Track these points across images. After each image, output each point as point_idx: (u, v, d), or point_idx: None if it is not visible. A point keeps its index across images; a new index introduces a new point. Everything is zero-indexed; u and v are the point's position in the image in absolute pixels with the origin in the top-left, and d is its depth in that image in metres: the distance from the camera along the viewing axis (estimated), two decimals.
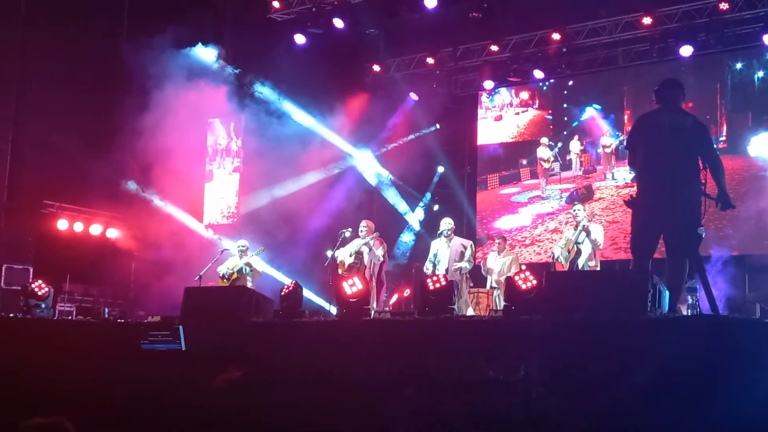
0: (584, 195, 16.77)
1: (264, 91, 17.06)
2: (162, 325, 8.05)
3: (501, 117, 18.81)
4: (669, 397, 6.11)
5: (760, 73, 15.56)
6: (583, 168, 17.49)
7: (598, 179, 17.22)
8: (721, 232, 14.64)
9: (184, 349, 7.61)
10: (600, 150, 17.37)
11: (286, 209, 16.32)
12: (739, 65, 15.73)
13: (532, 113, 18.48)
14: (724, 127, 15.71)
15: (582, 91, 17.71)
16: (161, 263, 14.80)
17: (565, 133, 17.76)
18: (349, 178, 18.15)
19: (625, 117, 17.00)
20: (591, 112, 17.50)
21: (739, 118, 15.63)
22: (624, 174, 16.71)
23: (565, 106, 17.95)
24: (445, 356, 6.96)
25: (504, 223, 17.79)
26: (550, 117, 18.16)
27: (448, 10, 15.91)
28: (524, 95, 18.58)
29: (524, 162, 18.23)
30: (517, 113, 18.63)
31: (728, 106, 15.73)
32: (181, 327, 7.76)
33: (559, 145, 17.69)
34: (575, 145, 17.59)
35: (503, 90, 18.70)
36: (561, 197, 17.49)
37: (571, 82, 17.82)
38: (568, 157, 17.65)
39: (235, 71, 16.62)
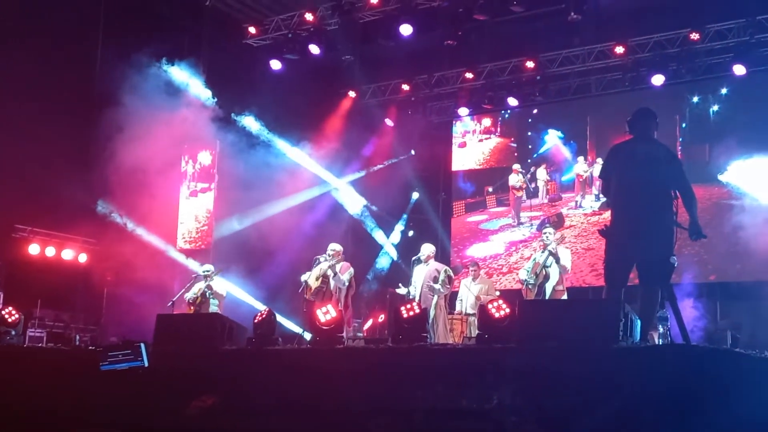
0: (555, 222, 16.94)
1: (239, 115, 17.04)
2: (122, 346, 7.97)
3: (465, 144, 19.01)
4: (641, 426, 6.13)
5: (716, 107, 16.04)
6: (549, 196, 17.69)
7: (568, 207, 17.41)
8: (694, 259, 14.82)
9: (147, 365, 7.54)
10: (564, 178, 17.60)
11: (261, 234, 16.24)
12: (695, 99, 16.15)
13: (495, 140, 18.73)
14: (683, 158, 15.98)
15: (546, 120, 17.99)
16: (134, 289, 14.65)
17: (529, 160, 18.04)
18: (324, 203, 18.15)
19: (588, 145, 17.26)
20: (554, 140, 17.77)
21: (697, 149, 15.89)
22: (590, 202, 16.93)
23: (529, 134, 18.19)
24: (419, 384, 6.94)
25: (476, 251, 17.88)
26: (514, 145, 18.38)
27: (423, 37, 16.02)
28: (486, 122, 18.85)
29: (490, 189, 18.40)
30: (481, 140, 18.89)
31: (687, 138, 16.00)
32: (142, 344, 7.70)
33: (531, 171, 17.89)
34: (542, 173, 17.83)
35: (466, 118, 18.89)
36: (531, 225, 17.64)
37: (535, 110, 18.07)
38: (533, 185, 17.87)
39: (211, 95, 16.58)
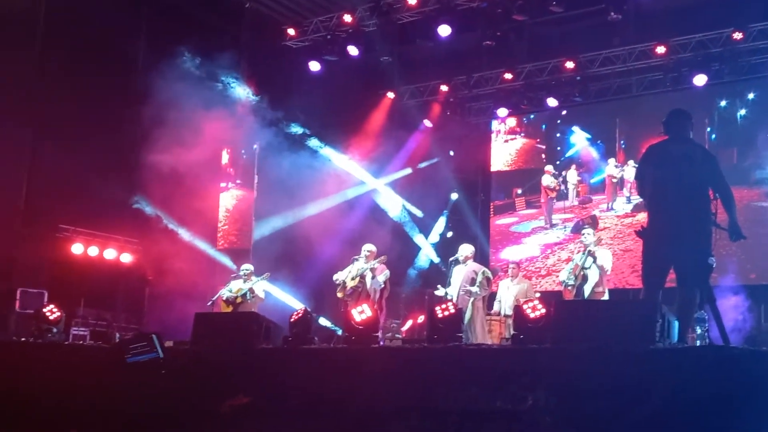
0: (590, 224, 16.83)
1: (279, 116, 17.16)
2: (137, 338, 8.10)
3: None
4: (677, 429, 6.05)
5: (743, 111, 15.91)
6: (579, 198, 17.59)
7: (599, 209, 17.32)
8: (734, 259, 14.67)
9: (162, 356, 7.65)
10: (593, 180, 17.50)
11: (299, 235, 16.35)
12: (723, 103, 16.05)
13: (520, 141, 18.68)
14: None
15: (573, 121, 17.88)
16: (175, 288, 14.81)
17: (557, 162, 17.92)
18: (362, 204, 18.21)
19: (617, 147, 17.16)
20: (582, 142, 17.67)
21: (725, 153, 15.75)
22: (622, 204, 16.83)
23: (558, 135, 18.09)
24: (453, 385, 6.92)
25: (510, 254, 17.79)
26: (542, 146, 18.31)
27: (462, 38, 16.02)
28: (511, 122, 18.76)
29: (519, 191, 18.33)
30: (506, 140, 18.80)
31: (715, 141, 15.85)
32: (154, 335, 7.83)
33: (564, 174, 17.82)
34: (572, 175, 17.72)
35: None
36: (565, 227, 17.55)
37: (564, 111, 17.94)
38: (562, 188, 17.80)
39: (251, 96, 16.72)
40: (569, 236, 17.31)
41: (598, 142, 17.61)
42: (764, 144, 15.55)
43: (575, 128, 17.88)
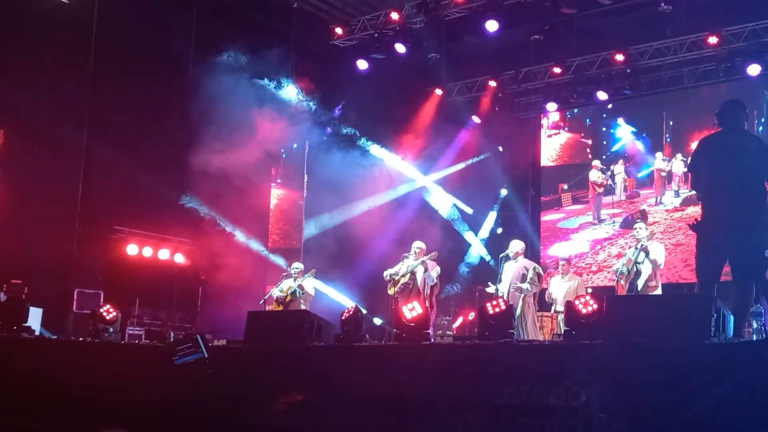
0: (640, 219, 16.62)
1: (328, 115, 17.26)
2: (183, 340, 8.21)
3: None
4: (733, 425, 5.96)
5: None
6: (627, 193, 17.39)
7: (647, 203, 17.11)
8: None
9: (207, 356, 7.76)
10: (640, 174, 17.30)
11: (349, 233, 16.44)
12: None
13: (564, 136, 18.53)
14: None
15: (619, 114, 17.68)
16: (228, 287, 15.00)
17: (604, 156, 17.76)
18: (412, 201, 18.22)
19: (664, 140, 16.92)
20: (628, 135, 17.48)
21: None
22: (671, 198, 16.61)
23: (603, 129, 17.90)
24: (505, 381, 6.89)
25: (559, 250, 17.63)
26: (587, 140, 18.13)
27: (509, 33, 15.94)
28: (555, 117, 18.59)
29: (565, 187, 18.18)
30: (549, 135, 18.64)
31: (763, 132, 15.57)
32: (199, 336, 7.94)
33: (612, 168, 17.65)
34: (619, 169, 17.55)
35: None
36: (614, 222, 17.37)
37: (610, 105, 17.76)
38: (610, 182, 17.63)
39: (300, 95, 16.84)
40: (618, 231, 17.14)
41: (644, 135, 17.43)
42: None
43: (620, 121, 17.69)
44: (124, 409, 8.32)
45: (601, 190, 17.75)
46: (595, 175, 17.88)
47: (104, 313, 9.96)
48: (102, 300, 13.60)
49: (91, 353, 9.36)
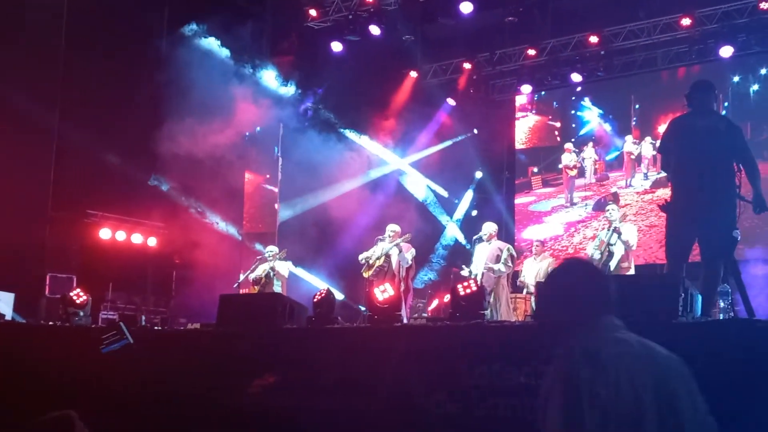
0: (612, 201, 16.74)
1: (302, 98, 17.19)
2: (108, 328, 8.19)
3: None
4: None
5: (755, 87, 15.88)
6: (597, 175, 17.50)
7: (617, 186, 17.25)
8: (758, 232, 14.62)
9: (132, 341, 7.74)
10: (608, 157, 17.43)
11: (324, 216, 16.41)
12: (736, 78, 15.97)
13: (532, 119, 18.57)
14: None
15: (589, 98, 17.79)
16: (202, 271, 14.96)
17: (573, 139, 17.85)
18: (387, 184, 18.20)
19: (632, 123, 17.08)
20: (595, 118, 17.59)
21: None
22: (640, 180, 16.75)
23: (573, 112, 17.99)
24: (476, 362, 6.93)
25: (533, 233, 17.67)
26: (556, 123, 18.22)
27: (484, 15, 15.92)
28: (522, 99, 18.64)
29: (535, 170, 18.26)
30: (518, 118, 18.70)
31: (730, 116, 15.74)
32: (122, 323, 7.93)
33: (583, 151, 17.76)
34: (590, 152, 17.64)
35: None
36: (586, 205, 17.47)
37: (579, 89, 17.84)
38: (582, 165, 17.75)
39: (274, 78, 16.75)
40: (591, 214, 17.23)
41: (611, 118, 17.53)
42: None
43: (588, 104, 17.77)
44: (95, 392, 8.29)
45: (574, 172, 17.82)
46: (567, 158, 17.94)
47: (74, 297, 9.91)
48: (75, 284, 13.52)
49: (59, 337, 9.32)
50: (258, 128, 17.12)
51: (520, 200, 18.41)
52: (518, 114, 18.84)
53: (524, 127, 18.74)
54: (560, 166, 18.05)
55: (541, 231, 17.71)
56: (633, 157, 17.07)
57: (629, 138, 17.15)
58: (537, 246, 13.54)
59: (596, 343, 3.13)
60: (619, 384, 3.03)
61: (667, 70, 16.86)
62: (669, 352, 3.32)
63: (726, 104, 15.87)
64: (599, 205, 16.79)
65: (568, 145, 17.94)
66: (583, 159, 17.73)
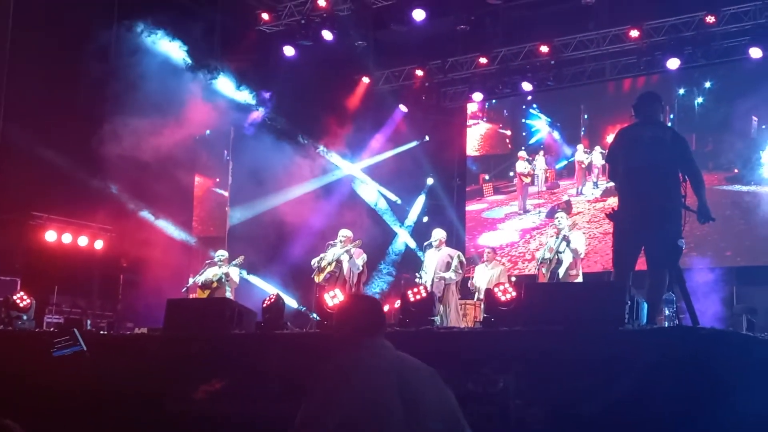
0: (565, 209, 16.94)
1: (252, 102, 17.08)
2: (60, 333, 8.06)
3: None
4: (648, 409, 6.10)
5: (700, 99, 16.33)
6: (547, 183, 17.72)
7: (568, 194, 17.48)
8: (705, 242, 14.90)
9: (85, 348, 7.63)
10: (558, 166, 17.66)
11: (274, 221, 16.32)
12: (682, 91, 16.39)
13: (483, 126, 18.75)
14: None
15: (539, 107, 18.03)
16: (149, 275, 14.78)
17: (523, 148, 18.08)
18: (338, 190, 18.18)
19: (581, 133, 17.35)
20: (544, 127, 17.84)
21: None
22: (591, 189, 17.02)
23: (523, 120, 18.22)
24: None
25: (488, 239, 17.80)
26: (507, 131, 18.43)
27: (436, 22, 16.01)
28: (473, 107, 18.82)
29: (486, 177, 18.44)
30: (469, 125, 18.86)
31: (675, 128, 16.05)
32: (75, 329, 7.81)
33: (534, 159, 17.96)
34: (540, 161, 17.86)
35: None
36: (539, 212, 17.67)
37: (529, 98, 18.07)
38: (534, 173, 17.99)
39: (225, 81, 16.62)
40: (544, 221, 17.41)
41: (559, 126, 17.78)
42: (720, 130, 15.91)
43: (537, 113, 17.99)
44: (38, 398, 8.14)
45: (528, 180, 17.99)
46: (521, 166, 18.10)
47: (17, 300, 9.73)
48: (19, 287, 13.27)
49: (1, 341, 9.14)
50: (208, 131, 16.98)
51: (472, 207, 18.52)
52: (470, 121, 18.97)
53: (476, 135, 18.88)
54: (512, 173, 18.22)
55: (495, 238, 17.85)
56: (584, 165, 17.30)
57: (580, 147, 17.38)
58: (489, 253, 13.62)
59: (366, 355, 4.11)
60: (378, 386, 3.99)
61: (615, 82, 17.16)
62: (420, 363, 4.24)
63: (672, 116, 16.17)
64: (552, 212, 16.98)
65: (522, 153, 18.11)
66: (535, 167, 17.91)
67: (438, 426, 4.01)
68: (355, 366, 4.08)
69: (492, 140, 18.70)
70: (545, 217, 17.41)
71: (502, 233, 17.96)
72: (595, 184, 17.07)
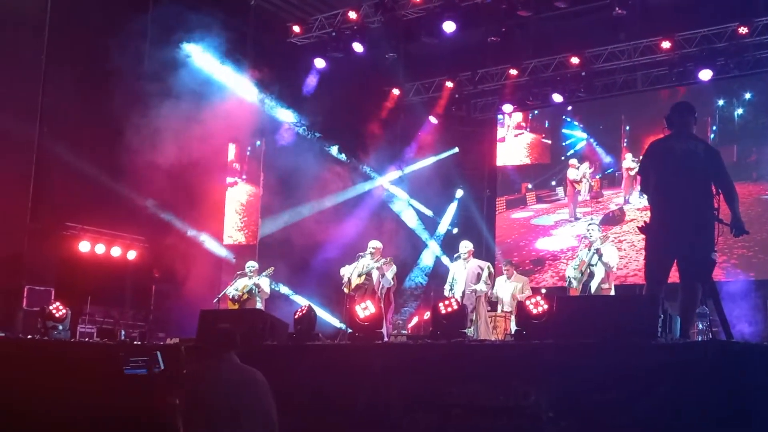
0: (618, 216, 16.85)
1: (284, 113, 17.20)
2: (140, 352, 8.11)
3: (504, 138, 19.03)
4: (680, 423, 6.07)
5: (740, 110, 16.13)
6: (591, 192, 17.64)
7: (614, 203, 17.35)
8: (738, 254, 14.75)
9: (162, 368, 7.66)
10: (602, 175, 17.56)
11: (305, 232, 16.38)
12: (721, 101, 16.27)
13: (528, 137, 18.72)
14: None
15: (577, 116, 17.95)
16: (181, 285, 14.90)
17: (562, 158, 18.02)
18: (368, 201, 18.23)
19: (621, 143, 17.24)
20: (587, 139, 17.76)
21: (726, 151, 15.87)
22: (636, 197, 16.92)
23: (564, 131, 18.15)
24: (456, 381, 6.95)
25: (546, 244, 17.85)
26: (548, 141, 18.38)
27: (466, 34, 16.03)
28: (518, 117, 18.81)
29: (529, 186, 18.39)
30: (516, 135, 18.85)
31: (716, 139, 15.90)
32: (158, 352, 7.81)
33: (586, 168, 17.89)
34: (585, 170, 17.75)
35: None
36: (591, 219, 17.59)
37: (570, 108, 18.00)
38: (584, 181, 17.86)
39: (257, 93, 16.76)
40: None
41: (601, 136, 17.67)
42: (763, 141, 15.75)
43: (578, 123, 17.93)
44: (72, 410, 8.22)
45: (579, 187, 17.96)
46: (573, 174, 18.06)
47: (53, 311, 9.85)
48: (53, 297, 13.42)
49: (37, 351, 9.23)
50: (240, 142, 17.11)
51: (517, 215, 18.50)
52: (516, 131, 18.94)
53: (520, 145, 18.86)
54: (553, 182, 18.23)
55: (553, 242, 17.87)
56: (632, 173, 17.20)
57: (628, 155, 17.27)
58: (507, 268, 13.54)
59: (219, 367, 5.59)
60: (224, 393, 5.43)
61: (655, 92, 16.95)
62: (255, 377, 5.68)
63: (714, 128, 16.06)
64: (608, 219, 16.98)
65: (573, 161, 18.09)
66: (583, 175, 17.88)
67: (258, 430, 5.37)
68: (205, 374, 5.55)
69: (535, 150, 18.72)
70: (600, 224, 17.38)
71: (558, 239, 17.93)
72: (641, 193, 16.97)
